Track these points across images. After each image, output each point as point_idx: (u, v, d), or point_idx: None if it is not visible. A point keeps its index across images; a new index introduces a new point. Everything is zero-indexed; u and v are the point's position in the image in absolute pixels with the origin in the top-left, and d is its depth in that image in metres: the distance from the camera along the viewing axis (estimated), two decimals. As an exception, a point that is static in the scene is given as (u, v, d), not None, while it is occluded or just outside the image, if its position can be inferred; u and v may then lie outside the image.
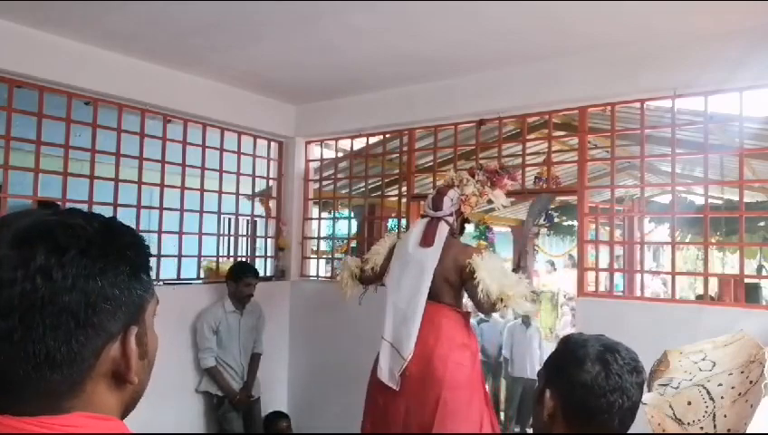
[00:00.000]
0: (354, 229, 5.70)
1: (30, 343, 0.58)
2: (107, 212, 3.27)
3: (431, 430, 2.68)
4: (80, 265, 0.60)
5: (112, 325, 0.63)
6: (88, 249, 0.61)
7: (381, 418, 2.86)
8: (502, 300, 2.66)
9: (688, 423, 1.42)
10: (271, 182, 4.88)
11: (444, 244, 2.83)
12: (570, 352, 1.31)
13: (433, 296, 2.80)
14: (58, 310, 0.58)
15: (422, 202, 3.33)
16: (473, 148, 4.07)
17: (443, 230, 2.87)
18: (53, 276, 0.58)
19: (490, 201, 3.00)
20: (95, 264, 0.61)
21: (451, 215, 2.92)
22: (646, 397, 1.48)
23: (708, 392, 1.44)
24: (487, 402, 2.91)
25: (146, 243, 0.70)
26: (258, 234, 4.90)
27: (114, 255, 0.64)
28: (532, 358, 5.49)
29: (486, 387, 3.07)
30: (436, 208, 2.93)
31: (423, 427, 2.74)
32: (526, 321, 5.88)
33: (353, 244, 5.79)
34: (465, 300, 3.01)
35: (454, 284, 2.83)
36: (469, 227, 3.72)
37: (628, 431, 1.29)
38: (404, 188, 4.30)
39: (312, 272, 4.82)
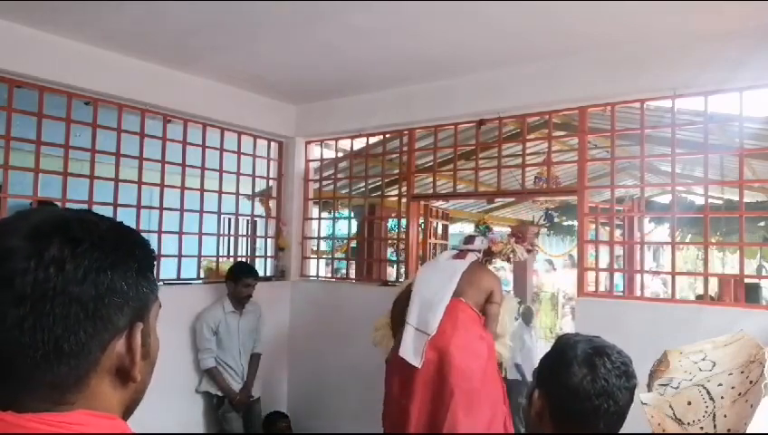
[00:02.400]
0: (354, 229, 5.71)
1: (39, 331, 0.59)
2: (107, 212, 3.27)
3: (445, 421, 2.78)
4: (92, 258, 0.62)
5: (119, 319, 0.65)
6: (100, 243, 0.64)
7: (398, 404, 2.96)
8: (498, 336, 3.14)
9: (688, 423, 1.41)
10: (271, 182, 4.88)
11: (473, 262, 3.26)
12: (559, 354, 1.30)
13: (455, 294, 3.06)
14: (68, 300, 0.60)
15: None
16: (473, 148, 4.07)
17: (473, 256, 3.33)
18: (66, 267, 0.60)
19: (513, 251, 3.45)
20: (107, 257, 0.63)
21: (480, 251, 3.39)
22: (646, 397, 1.48)
23: (708, 392, 1.44)
24: (504, 397, 3.00)
25: (151, 247, 0.73)
26: (258, 234, 4.90)
27: (124, 250, 0.66)
28: (532, 359, 5.49)
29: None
30: (468, 243, 3.41)
31: (437, 416, 2.82)
32: (526, 319, 5.92)
33: (353, 244, 5.79)
34: None
35: (476, 286, 3.12)
36: (469, 227, 3.89)
37: (627, 432, 1.28)
38: (404, 188, 4.30)
39: (312, 272, 4.82)
